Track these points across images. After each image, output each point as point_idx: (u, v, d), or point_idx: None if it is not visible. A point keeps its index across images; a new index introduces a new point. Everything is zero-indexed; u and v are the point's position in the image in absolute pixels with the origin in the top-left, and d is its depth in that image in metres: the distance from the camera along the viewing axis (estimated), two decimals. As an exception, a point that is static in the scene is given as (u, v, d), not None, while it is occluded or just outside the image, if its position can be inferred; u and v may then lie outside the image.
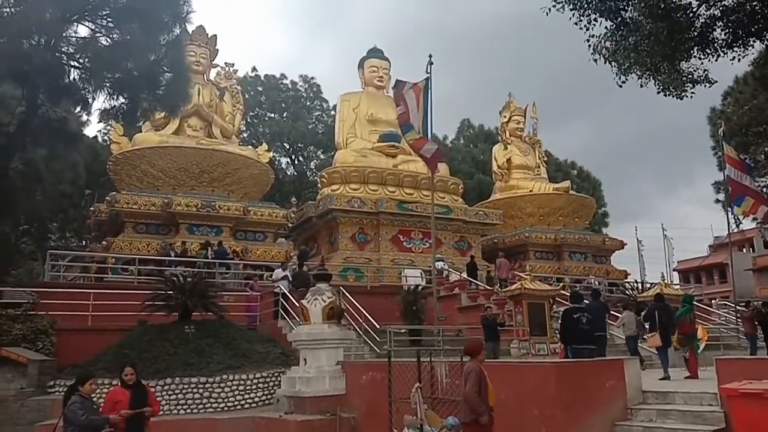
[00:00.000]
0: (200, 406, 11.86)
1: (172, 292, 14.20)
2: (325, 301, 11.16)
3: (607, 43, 12.37)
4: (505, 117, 34.70)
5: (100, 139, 36.32)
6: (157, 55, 15.32)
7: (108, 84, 15.63)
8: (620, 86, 12.33)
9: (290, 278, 17.14)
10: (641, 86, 12.79)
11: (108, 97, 15.71)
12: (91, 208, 22.38)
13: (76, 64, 15.48)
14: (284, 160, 47.78)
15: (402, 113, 14.44)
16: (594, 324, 9.14)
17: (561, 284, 18.50)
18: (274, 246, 23.25)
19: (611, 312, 15.56)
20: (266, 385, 12.41)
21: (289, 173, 46.81)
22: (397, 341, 15.83)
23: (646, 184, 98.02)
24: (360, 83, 31.19)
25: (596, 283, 26.51)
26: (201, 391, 11.92)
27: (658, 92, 12.35)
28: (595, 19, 12.42)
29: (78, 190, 29.74)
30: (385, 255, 24.86)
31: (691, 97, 12.87)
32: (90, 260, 20.46)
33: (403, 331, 16.40)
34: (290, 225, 24.94)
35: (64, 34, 14.13)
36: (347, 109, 29.83)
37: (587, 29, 12.33)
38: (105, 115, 15.44)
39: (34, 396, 11.61)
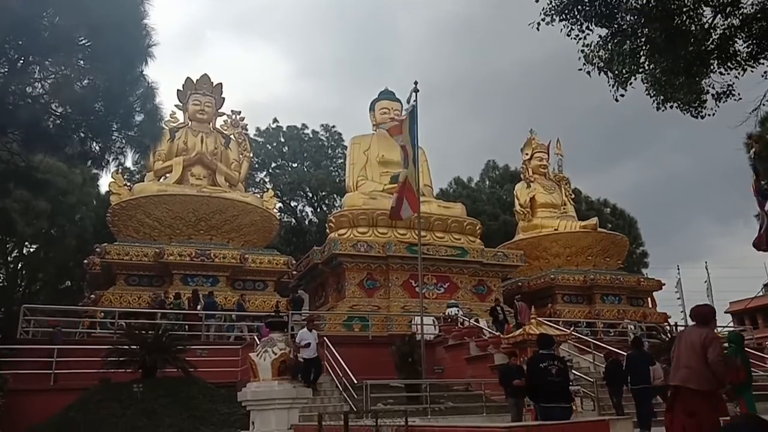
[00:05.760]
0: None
1: (134, 347, 13.00)
2: (275, 354, 9.65)
3: (601, 52, 11.04)
4: (527, 154, 33.19)
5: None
6: (128, 95, 14.64)
7: (81, 129, 15.07)
8: (617, 100, 10.82)
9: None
10: (658, 105, 11.35)
11: (80, 143, 15.15)
12: (85, 261, 21.66)
13: (52, 110, 15.00)
14: (309, 210, 47.11)
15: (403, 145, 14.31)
16: (567, 376, 7.34)
17: (572, 327, 16.37)
18: (274, 295, 21.97)
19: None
20: (220, 453, 10.87)
21: (313, 221, 45.96)
22: (391, 398, 14.17)
23: (704, 225, 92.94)
24: (371, 126, 30.30)
25: (632, 327, 24.25)
26: (145, 460, 10.46)
27: (656, 107, 10.81)
28: (588, 27, 11.27)
29: (87, 244, 29.32)
30: (396, 302, 23.23)
31: (712, 115, 11.36)
32: (83, 314, 19.58)
33: (400, 385, 14.76)
34: (294, 273, 23.67)
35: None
36: (358, 151, 28.89)
37: (578, 39, 11.20)
38: (71, 159, 14.70)
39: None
